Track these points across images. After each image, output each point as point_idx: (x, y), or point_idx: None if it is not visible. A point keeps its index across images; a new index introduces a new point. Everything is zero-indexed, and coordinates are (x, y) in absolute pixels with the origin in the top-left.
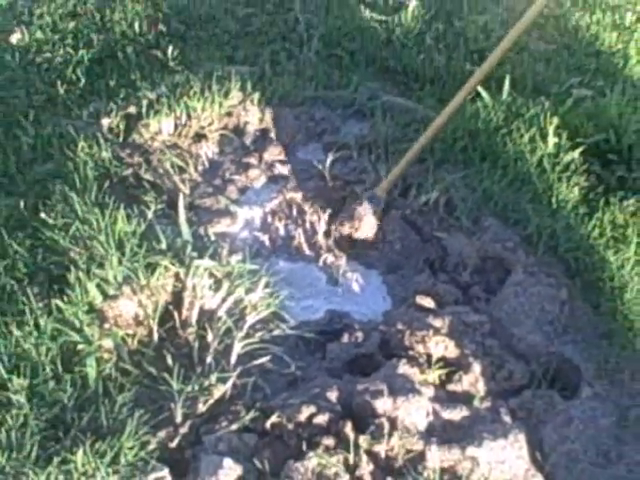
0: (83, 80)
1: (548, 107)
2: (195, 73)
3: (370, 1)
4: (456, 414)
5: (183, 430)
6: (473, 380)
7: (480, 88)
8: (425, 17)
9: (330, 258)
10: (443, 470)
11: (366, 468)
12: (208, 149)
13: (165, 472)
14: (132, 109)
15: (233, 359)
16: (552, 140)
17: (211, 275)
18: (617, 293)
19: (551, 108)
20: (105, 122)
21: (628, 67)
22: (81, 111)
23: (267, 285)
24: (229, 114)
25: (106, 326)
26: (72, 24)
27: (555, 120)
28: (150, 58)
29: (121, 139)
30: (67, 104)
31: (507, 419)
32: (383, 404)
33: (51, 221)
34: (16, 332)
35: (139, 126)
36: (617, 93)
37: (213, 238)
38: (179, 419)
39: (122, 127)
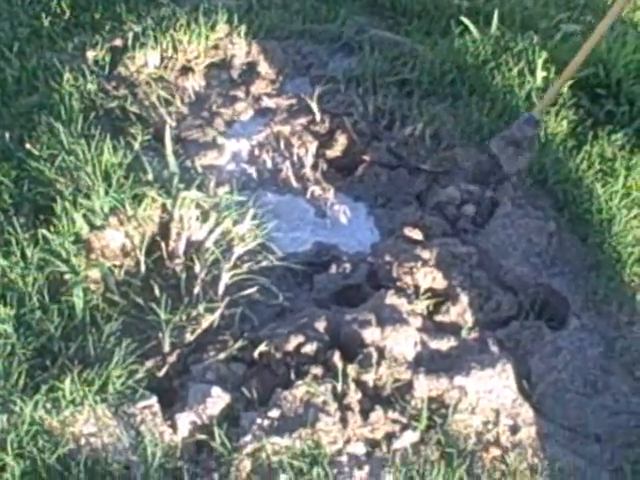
0: (68, 13)
1: (537, 42)
2: (181, 6)
3: None
4: (444, 344)
5: (171, 359)
6: (461, 311)
7: (468, 22)
8: None
9: (318, 191)
10: (431, 399)
11: (354, 396)
12: (195, 82)
13: (153, 400)
14: (118, 42)
15: (221, 290)
16: (540, 74)
17: (198, 206)
18: (605, 225)
19: (540, 43)
20: (90, 55)
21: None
22: (66, 44)
23: (254, 217)
24: (216, 47)
25: (93, 256)
26: None
27: (544, 54)
28: None
29: (107, 72)
30: (52, 37)
31: (495, 349)
32: (371, 334)
33: (37, 152)
34: (2, 262)
35: (125, 59)
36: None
37: (200, 170)
38: (167, 348)
39: (108, 60)
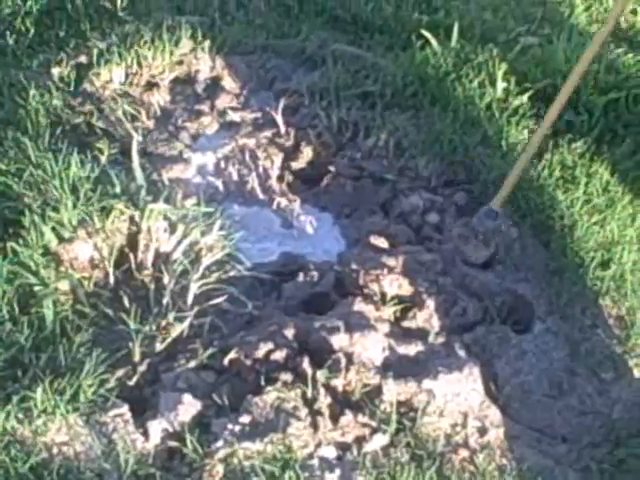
0: (32, 30)
1: (496, 54)
2: (145, 23)
3: None
4: (411, 349)
5: (142, 368)
6: (427, 317)
7: (429, 35)
8: None
9: (284, 202)
10: (400, 403)
11: (324, 401)
12: (160, 97)
13: (125, 409)
14: (83, 58)
15: (190, 299)
16: (501, 85)
17: (166, 218)
18: (567, 231)
19: (499, 55)
20: (56, 71)
21: (574, 15)
22: (31, 61)
23: (222, 227)
24: (180, 63)
25: (62, 269)
26: None
27: (503, 66)
28: (99, 9)
29: (72, 88)
30: (16, 54)
31: (462, 353)
32: (339, 340)
33: (4, 167)
34: None
35: (90, 75)
36: (563, 40)
37: (167, 183)
38: (137, 358)
39: (73, 76)
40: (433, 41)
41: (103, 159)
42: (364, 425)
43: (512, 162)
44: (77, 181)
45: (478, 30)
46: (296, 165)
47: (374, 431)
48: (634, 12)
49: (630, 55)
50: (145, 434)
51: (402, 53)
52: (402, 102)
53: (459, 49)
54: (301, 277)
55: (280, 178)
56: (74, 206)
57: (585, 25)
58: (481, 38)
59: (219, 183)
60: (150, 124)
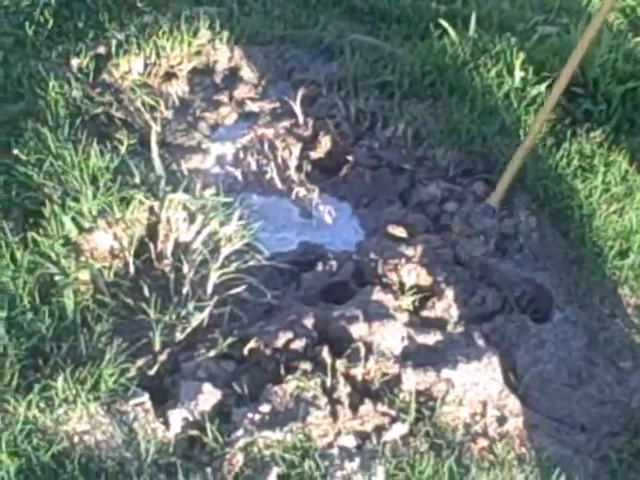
0: (51, 22)
1: (514, 43)
2: (163, 14)
3: None
4: (430, 338)
5: (162, 358)
6: (446, 306)
7: (447, 25)
8: None
9: (302, 192)
10: (419, 392)
11: (343, 391)
12: (178, 87)
13: (145, 397)
14: (101, 49)
15: (209, 289)
16: (519, 74)
17: (185, 208)
18: (586, 220)
19: (517, 44)
20: (75, 62)
21: (591, 4)
22: (50, 52)
23: (241, 217)
24: (198, 53)
25: (82, 259)
26: None
27: (521, 55)
28: (117, 0)
29: (91, 79)
30: (36, 45)
31: (481, 343)
32: (359, 329)
33: (24, 157)
34: None
35: (109, 66)
36: (581, 29)
37: (186, 173)
38: (157, 347)
39: (92, 67)
40: (451, 31)
41: (122, 149)
42: (383, 414)
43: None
44: (97, 171)
45: (496, 19)
46: (314, 155)
47: (393, 420)
48: None
49: None
50: (165, 423)
51: (420, 43)
52: (420, 92)
53: (477, 39)
54: (320, 267)
55: (299, 168)
56: (94, 196)
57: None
58: (499, 27)
59: (238, 173)
60: (169, 114)
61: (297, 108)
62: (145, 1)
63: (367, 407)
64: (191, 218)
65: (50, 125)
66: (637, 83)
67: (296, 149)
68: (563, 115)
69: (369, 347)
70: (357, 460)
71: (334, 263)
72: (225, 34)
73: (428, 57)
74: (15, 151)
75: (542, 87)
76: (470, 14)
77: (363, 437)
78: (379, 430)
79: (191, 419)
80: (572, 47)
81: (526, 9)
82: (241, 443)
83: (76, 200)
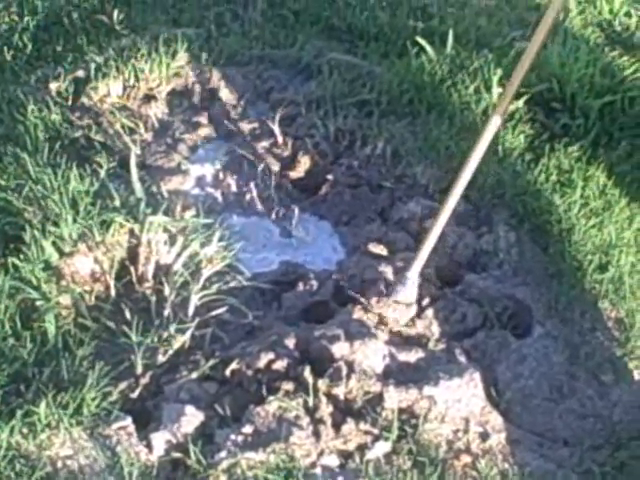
0: (30, 46)
1: (491, 59)
2: (142, 36)
3: None
4: (412, 356)
5: (144, 380)
6: (427, 323)
7: (424, 42)
8: None
9: (282, 211)
10: (401, 410)
11: (326, 410)
12: (157, 109)
13: (128, 421)
14: (80, 73)
15: (191, 311)
16: (496, 90)
17: (165, 230)
18: (565, 235)
19: (494, 60)
20: (54, 86)
21: (568, 19)
22: (29, 76)
23: (221, 239)
24: (177, 75)
25: (63, 283)
26: None
27: (499, 71)
28: (96, 23)
29: (70, 102)
30: (15, 70)
31: (462, 359)
32: (340, 348)
33: (4, 182)
34: None
35: (88, 89)
36: (558, 44)
37: (166, 195)
38: (140, 370)
39: (71, 91)
40: (428, 48)
41: (102, 173)
42: (366, 433)
43: (508, 167)
44: (77, 195)
45: (473, 36)
46: (294, 174)
47: (376, 439)
48: (628, 15)
49: (625, 58)
50: (149, 446)
51: (398, 61)
52: (398, 110)
53: (454, 55)
54: (300, 286)
55: (278, 188)
56: (74, 220)
57: (580, 29)
58: (476, 44)
59: (218, 194)
60: (148, 137)
61: (276, 128)
62: (123, 24)
63: (350, 426)
64: (172, 240)
65: (29, 150)
66: (614, 97)
67: (276, 169)
68: (541, 130)
69: (351, 366)
70: (340, 479)
71: (314, 283)
72: (203, 55)
73: (406, 75)
74: None
75: (520, 102)
76: (447, 31)
77: (346, 456)
78: (362, 449)
79: (174, 441)
80: (549, 62)
81: (503, 25)
82: (224, 465)
83: (56, 224)
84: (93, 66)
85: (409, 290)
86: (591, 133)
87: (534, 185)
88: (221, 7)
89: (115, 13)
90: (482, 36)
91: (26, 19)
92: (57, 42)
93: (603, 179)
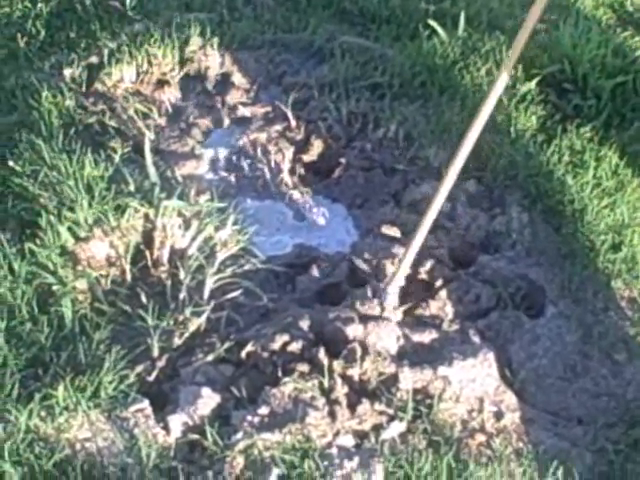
0: (43, 33)
1: (503, 41)
2: (154, 22)
3: None
4: (426, 337)
5: (160, 364)
6: (441, 304)
7: (436, 25)
8: None
9: (296, 195)
10: (416, 390)
11: (341, 391)
12: (171, 95)
13: (145, 404)
14: (94, 59)
15: (206, 294)
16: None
17: (180, 215)
18: (577, 215)
19: (506, 42)
20: (67, 72)
21: (580, 0)
22: (43, 63)
23: (235, 222)
24: (190, 60)
25: (79, 268)
26: None
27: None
28: (109, 9)
29: (84, 88)
30: (29, 57)
31: (476, 339)
32: (354, 330)
33: (19, 169)
34: None
35: (101, 75)
36: (570, 25)
37: (180, 180)
38: (156, 353)
39: (84, 77)
40: (440, 30)
41: (117, 158)
42: (381, 413)
43: (521, 149)
44: (92, 180)
45: (485, 18)
46: (307, 158)
47: (391, 419)
48: None
49: (637, 38)
50: (166, 428)
51: (410, 43)
52: (411, 92)
53: (466, 38)
54: (314, 269)
55: (292, 171)
56: (89, 205)
57: (591, 9)
58: (488, 26)
59: (232, 178)
60: (162, 122)
61: (289, 112)
62: (136, 9)
63: (365, 407)
64: (186, 224)
65: (44, 136)
66: (626, 77)
67: (289, 152)
68: (553, 111)
69: (365, 347)
70: (356, 459)
71: (328, 265)
72: (216, 40)
73: (418, 57)
74: (10, 163)
75: (532, 84)
76: (459, 13)
77: (361, 436)
78: (377, 429)
79: (191, 423)
80: (561, 43)
81: (515, 6)
82: (241, 446)
83: (72, 210)
84: (106, 52)
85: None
86: (603, 114)
87: (546, 166)
88: None
89: None
90: (494, 18)
91: (39, 5)
92: (70, 28)
93: (615, 159)
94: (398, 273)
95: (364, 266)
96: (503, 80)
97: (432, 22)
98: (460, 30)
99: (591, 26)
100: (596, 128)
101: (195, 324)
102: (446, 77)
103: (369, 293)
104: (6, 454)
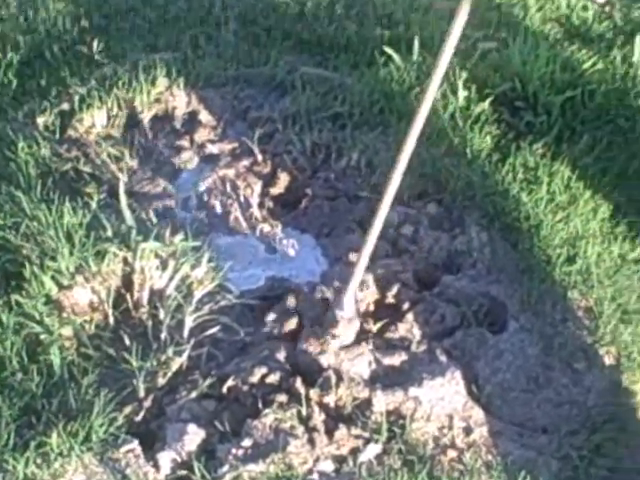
0: (15, 82)
1: (457, 62)
2: (121, 64)
3: None
4: (396, 359)
5: (147, 404)
6: (409, 327)
7: (391, 51)
8: None
9: (266, 228)
10: (389, 412)
11: (318, 418)
12: (141, 136)
13: (135, 444)
14: (65, 105)
15: (186, 332)
16: (462, 94)
17: (157, 255)
18: (533, 231)
19: (459, 63)
20: (41, 120)
21: (528, 17)
22: (16, 112)
23: (210, 260)
24: (158, 100)
25: (64, 315)
26: None
27: (464, 74)
28: (77, 54)
29: (58, 135)
30: (2, 107)
31: (443, 359)
32: (327, 358)
33: (1, 221)
34: None
35: (73, 121)
36: (519, 43)
37: (155, 221)
38: (142, 394)
39: (58, 124)
40: (395, 56)
41: (93, 204)
42: (357, 437)
43: (477, 169)
44: (71, 228)
45: (438, 40)
46: (275, 191)
47: (367, 441)
48: (585, 8)
49: (583, 52)
50: (156, 466)
51: (367, 70)
52: (370, 120)
53: (421, 62)
54: (287, 300)
55: (261, 205)
56: (70, 254)
57: (539, 25)
58: (441, 48)
59: (203, 215)
60: (134, 163)
61: (255, 147)
62: (103, 53)
63: (342, 432)
64: (163, 265)
65: (23, 187)
66: (575, 92)
67: (257, 187)
68: (506, 130)
69: (339, 374)
70: None
71: (300, 296)
72: (182, 80)
73: (376, 85)
74: None
75: (485, 104)
76: (413, 37)
77: (340, 461)
78: (355, 452)
79: (179, 460)
80: (511, 62)
81: (466, 27)
82: (228, 478)
83: (54, 259)
84: (77, 98)
85: (348, 308)
86: (554, 129)
87: (502, 185)
88: (195, 29)
89: (95, 43)
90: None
91: (9, 55)
92: (41, 76)
93: (567, 173)
94: (352, 282)
95: (330, 295)
96: (432, 91)
97: (387, 48)
98: (415, 55)
99: (539, 42)
100: (548, 144)
101: (177, 363)
102: (404, 103)
103: (337, 318)
104: None
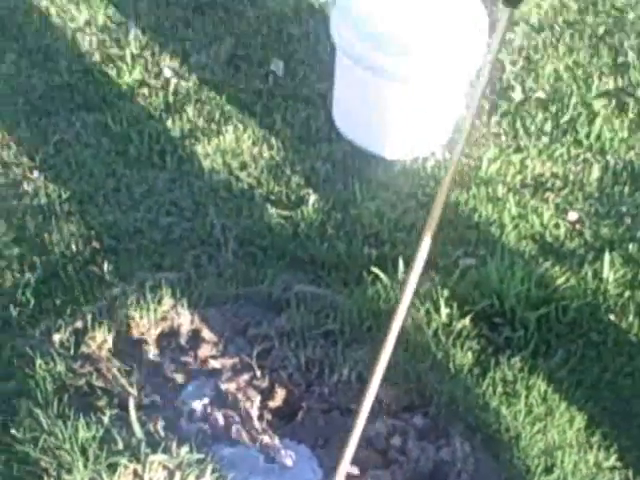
0: (32, 301)
1: (438, 281)
2: (129, 284)
3: (275, 198)
4: None
5: None
6: None
7: (378, 270)
8: (325, 208)
9: (265, 439)
10: None
11: None
12: (149, 352)
13: None
14: (79, 324)
15: None
16: (444, 311)
17: (164, 467)
18: (513, 442)
19: (441, 281)
20: (56, 338)
21: (504, 234)
22: (34, 330)
23: (214, 471)
24: (164, 318)
25: None
26: (16, 250)
27: (445, 292)
28: (89, 274)
29: (72, 352)
30: (21, 325)
31: None
32: None
33: (20, 436)
34: None
35: (86, 338)
36: (497, 261)
37: (162, 433)
38: None
39: (72, 341)
40: (382, 276)
41: (106, 419)
42: None
43: (459, 383)
44: (85, 443)
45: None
46: (273, 404)
47: None
48: (557, 226)
49: (557, 268)
50: None
51: (356, 288)
52: (359, 337)
53: (405, 280)
54: None
55: (260, 417)
56: (84, 467)
57: (515, 242)
58: (424, 265)
59: (207, 427)
60: (142, 378)
61: (254, 363)
62: (112, 273)
63: None
64: (170, 476)
65: (40, 403)
66: (549, 308)
67: (256, 400)
68: (486, 345)
69: None
70: None
71: None
72: (185, 300)
73: (364, 303)
74: (12, 431)
75: (466, 320)
76: (398, 256)
77: None
78: None
79: None
80: (489, 279)
81: (447, 245)
82: None
83: (69, 472)
84: (89, 317)
85: None
86: (531, 343)
87: (483, 398)
88: (197, 249)
89: (105, 264)
90: (429, 257)
91: (27, 275)
92: (56, 295)
93: (544, 386)
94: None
95: None
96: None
97: (374, 269)
98: (399, 273)
99: (515, 260)
100: (525, 358)
101: None
102: (390, 321)
103: None
104: None
